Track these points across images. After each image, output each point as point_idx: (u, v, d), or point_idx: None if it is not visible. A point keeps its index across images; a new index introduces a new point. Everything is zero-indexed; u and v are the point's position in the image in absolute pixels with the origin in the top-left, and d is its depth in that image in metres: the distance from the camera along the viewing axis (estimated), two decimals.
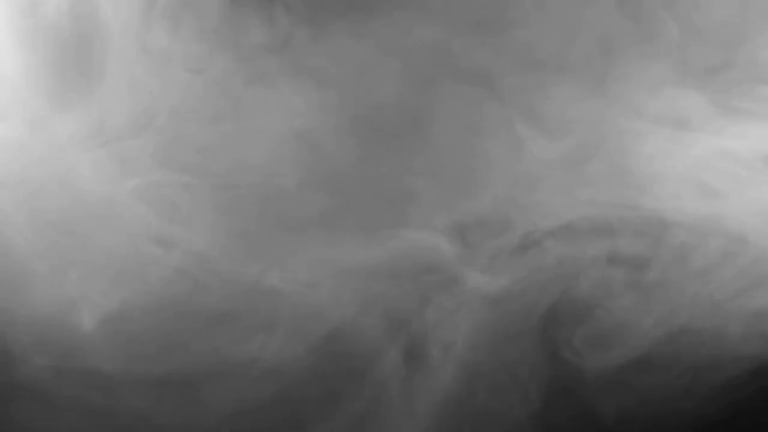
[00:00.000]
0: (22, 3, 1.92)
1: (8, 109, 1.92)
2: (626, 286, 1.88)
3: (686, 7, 1.92)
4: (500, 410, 1.88)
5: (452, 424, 1.89)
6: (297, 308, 1.89)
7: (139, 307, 1.89)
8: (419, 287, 1.90)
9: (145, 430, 1.88)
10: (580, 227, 1.90)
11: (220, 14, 1.93)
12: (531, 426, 1.87)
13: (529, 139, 1.92)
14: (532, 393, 1.88)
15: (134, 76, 1.93)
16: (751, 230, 1.87)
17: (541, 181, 1.91)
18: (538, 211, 1.90)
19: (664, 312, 1.87)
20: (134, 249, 1.90)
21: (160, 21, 1.93)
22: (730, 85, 1.90)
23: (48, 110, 1.93)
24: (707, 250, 1.88)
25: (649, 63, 1.92)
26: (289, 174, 1.92)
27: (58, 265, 1.89)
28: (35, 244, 1.90)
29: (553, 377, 1.88)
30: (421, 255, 1.91)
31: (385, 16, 1.93)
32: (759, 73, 1.90)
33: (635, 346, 1.87)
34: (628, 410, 1.87)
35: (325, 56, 1.94)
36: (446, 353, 1.89)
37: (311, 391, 1.89)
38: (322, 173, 1.93)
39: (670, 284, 1.87)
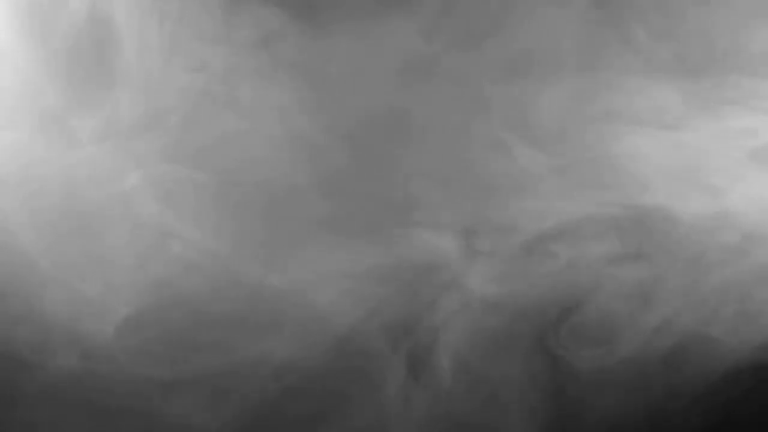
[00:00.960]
0: (27, 4, 1.94)
1: (15, 109, 1.93)
2: (630, 287, 1.89)
3: (665, 10, 1.93)
4: (500, 413, 1.89)
5: (452, 426, 1.90)
6: (300, 309, 1.90)
7: (145, 307, 1.89)
8: (422, 289, 1.91)
9: (154, 430, 1.89)
10: (582, 229, 1.91)
11: (221, 13, 1.93)
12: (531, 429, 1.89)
13: (522, 143, 1.92)
14: (532, 395, 1.89)
15: (136, 75, 1.93)
16: (754, 227, 1.88)
17: (539, 184, 1.92)
18: (539, 214, 1.91)
19: (669, 313, 1.88)
20: (137, 248, 1.91)
21: (161, 20, 1.93)
22: (716, 83, 1.91)
23: (52, 109, 1.93)
24: (711, 248, 1.88)
25: (634, 66, 1.93)
26: (287, 175, 1.93)
27: (62, 264, 1.90)
28: (41, 244, 1.90)
29: (553, 379, 1.89)
30: (425, 257, 1.91)
31: (379, 19, 1.94)
32: (743, 69, 1.91)
33: (638, 348, 1.87)
34: (627, 411, 1.88)
35: (321, 58, 1.94)
36: (448, 356, 1.90)
37: (315, 392, 1.90)
38: (322, 174, 1.93)
39: (674, 284, 1.88)
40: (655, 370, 1.88)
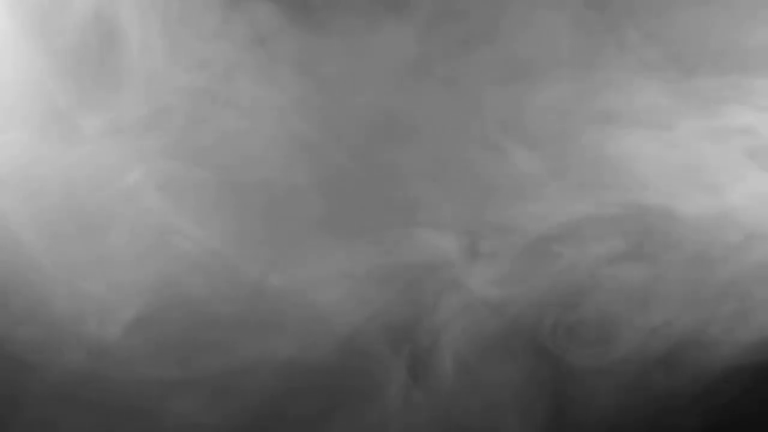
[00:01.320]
0: (28, 4, 1.95)
1: (16, 108, 1.94)
2: (630, 286, 1.88)
3: (660, 11, 1.93)
4: (500, 414, 1.89)
5: (452, 427, 1.90)
6: (301, 310, 1.91)
7: (146, 307, 1.90)
8: (423, 290, 1.91)
9: (156, 429, 1.89)
10: (582, 229, 1.91)
11: (221, 12, 1.94)
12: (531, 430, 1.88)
13: (521, 144, 1.92)
14: (533, 395, 1.88)
15: (137, 74, 1.94)
16: (754, 225, 1.88)
17: (539, 185, 1.92)
18: (539, 215, 1.91)
19: (669, 312, 1.87)
20: (139, 247, 1.91)
21: (162, 19, 1.94)
22: (714, 82, 1.91)
23: (53, 108, 1.94)
24: (711, 247, 1.88)
25: (630, 66, 1.93)
26: (287, 175, 1.94)
27: (64, 263, 1.90)
28: (43, 244, 1.91)
29: (554, 379, 1.88)
30: (425, 258, 1.92)
31: (378, 17, 1.95)
32: (741, 67, 1.91)
33: (638, 348, 1.87)
34: (627, 411, 1.88)
35: (320, 57, 1.95)
36: (449, 356, 1.89)
37: (316, 393, 1.90)
38: (321, 174, 1.94)
39: (674, 284, 1.88)
40: (655, 370, 1.87)
